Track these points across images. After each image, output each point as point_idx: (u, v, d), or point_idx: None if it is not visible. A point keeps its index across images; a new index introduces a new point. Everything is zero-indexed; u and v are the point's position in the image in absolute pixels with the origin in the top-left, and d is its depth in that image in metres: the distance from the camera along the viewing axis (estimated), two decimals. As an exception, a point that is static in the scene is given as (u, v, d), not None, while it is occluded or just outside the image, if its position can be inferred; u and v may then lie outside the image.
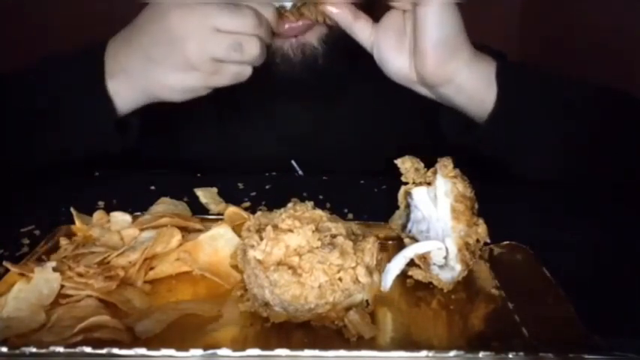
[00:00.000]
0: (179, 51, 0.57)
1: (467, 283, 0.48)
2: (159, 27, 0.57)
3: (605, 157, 0.66)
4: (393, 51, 0.62)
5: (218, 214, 0.58)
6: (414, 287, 0.47)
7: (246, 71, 0.60)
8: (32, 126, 0.64)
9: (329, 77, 0.72)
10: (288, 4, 0.62)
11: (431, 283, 0.47)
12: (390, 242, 0.53)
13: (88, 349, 0.37)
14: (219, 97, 0.63)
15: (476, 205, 0.48)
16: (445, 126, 0.68)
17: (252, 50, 0.58)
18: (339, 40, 0.66)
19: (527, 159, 0.67)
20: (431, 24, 0.58)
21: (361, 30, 0.63)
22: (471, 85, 0.62)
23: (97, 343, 0.37)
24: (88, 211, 0.54)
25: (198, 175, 0.69)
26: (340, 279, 0.41)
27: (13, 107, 0.64)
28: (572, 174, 0.66)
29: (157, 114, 0.65)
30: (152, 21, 0.59)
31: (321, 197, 0.62)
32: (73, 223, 0.52)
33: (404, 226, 0.53)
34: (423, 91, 0.64)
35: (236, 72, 0.59)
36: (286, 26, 0.64)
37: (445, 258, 0.47)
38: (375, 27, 0.63)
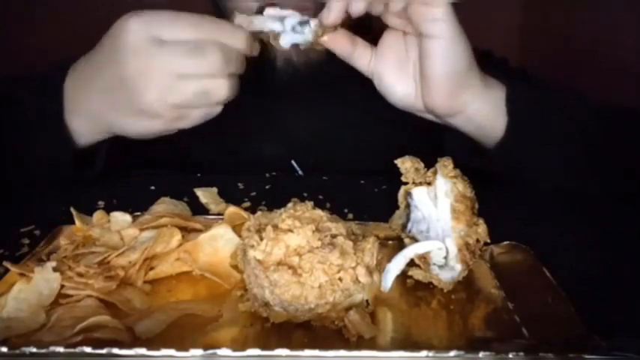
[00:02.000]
0: (139, 99, 0.52)
1: (467, 283, 0.48)
2: (116, 73, 0.53)
3: (615, 173, 0.65)
4: (395, 77, 0.60)
5: (218, 214, 0.58)
6: (414, 287, 0.47)
7: (215, 110, 0.56)
8: None
9: (330, 79, 0.71)
10: (282, 38, 0.57)
11: (431, 283, 0.47)
12: (390, 242, 0.53)
13: (88, 349, 0.37)
14: None
15: (476, 205, 0.48)
16: (450, 150, 0.67)
17: (220, 93, 0.53)
18: None
19: (537, 177, 0.66)
20: (440, 57, 0.55)
21: (360, 57, 0.60)
22: (481, 115, 0.60)
23: (97, 343, 0.37)
24: (88, 211, 0.54)
25: (198, 175, 0.69)
26: (340, 279, 0.41)
27: None
28: (581, 187, 0.65)
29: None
30: (109, 64, 0.54)
31: (321, 197, 0.62)
32: (73, 223, 0.52)
33: (404, 226, 0.53)
34: (430, 117, 0.62)
35: (203, 114, 0.56)
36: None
37: (445, 258, 0.47)
38: (374, 51, 0.60)
